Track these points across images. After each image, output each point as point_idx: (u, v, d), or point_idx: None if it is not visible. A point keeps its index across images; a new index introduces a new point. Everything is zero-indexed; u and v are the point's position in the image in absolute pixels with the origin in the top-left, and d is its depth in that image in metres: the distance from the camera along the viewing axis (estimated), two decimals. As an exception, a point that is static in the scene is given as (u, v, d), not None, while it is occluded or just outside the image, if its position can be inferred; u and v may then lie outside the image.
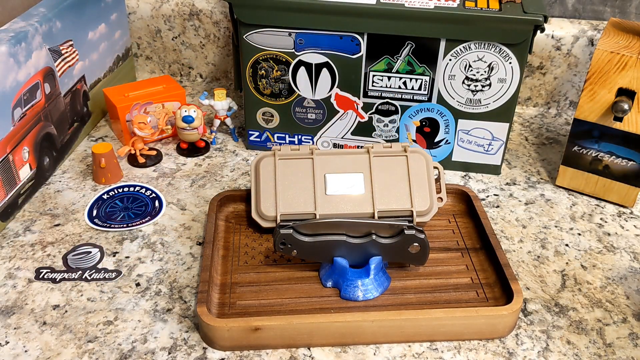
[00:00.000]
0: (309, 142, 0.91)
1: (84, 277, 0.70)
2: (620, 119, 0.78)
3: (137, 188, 0.84)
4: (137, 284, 0.69)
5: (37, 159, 0.82)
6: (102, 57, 0.98)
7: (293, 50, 0.83)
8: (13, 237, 0.75)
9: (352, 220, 0.66)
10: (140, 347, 0.62)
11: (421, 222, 0.74)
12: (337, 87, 0.85)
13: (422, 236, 0.66)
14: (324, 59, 0.83)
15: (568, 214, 0.82)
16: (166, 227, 0.78)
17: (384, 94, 0.85)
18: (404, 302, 0.66)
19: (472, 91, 0.83)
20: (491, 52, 0.79)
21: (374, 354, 0.62)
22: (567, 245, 0.77)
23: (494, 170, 0.89)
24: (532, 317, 0.67)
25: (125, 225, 0.77)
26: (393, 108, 0.86)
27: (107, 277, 0.70)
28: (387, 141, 0.89)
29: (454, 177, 0.89)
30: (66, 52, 0.88)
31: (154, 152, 0.91)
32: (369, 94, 0.85)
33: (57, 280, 0.69)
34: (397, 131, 0.88)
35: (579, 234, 0.78)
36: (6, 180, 0.76)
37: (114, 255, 0.73)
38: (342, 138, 0.90)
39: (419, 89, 0.84)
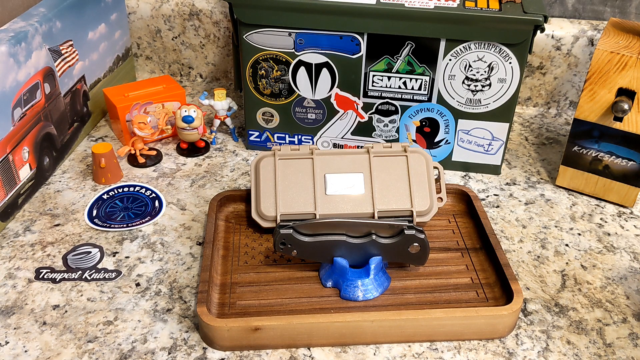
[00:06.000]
0: (309, 142, 0.91)
1: (84, 277, 0.70)
2: (620, 119, 0.78)
3: (137, 188, 0.84)
4: (137, 284, 0.69)
5: (37, 159, 0.82)
6: (102, 57, 0.98)
7: (293, 50, 0.83)
8: (13, 237, 0.75)
9: (352, 220, 0.66)
10: (140, 347, 0.62)
11: (421, 222, 0.74)
12: (337, 87, 0.85)
13: (422, 236, 0.66)
14: (324, 59, 0.83)
15: (568, 214, 0.82)
16: (166, 227, 0.78)
17: (384, 94, 0.85)
18: (404, 302, 0.66)
19: (472, 91, 0.83)
20: (491, 52, 0.79)
21: (374, 354, 0.62)
22: (567, 245, 0.77)
23: (494, 170, 0.89)
24: (532, 317, 0.67)
25: (125, 225, 0.77)
26: (393, 108, 0.86)
27: (107, 277, 0.70)
28: (387, 141, 0.89)
29: (454, 177, 0.89)
30: (66, 52, 0.88)
31: (154, 152, 0.91)
32: (369, 94, 0.85)
33: (57, 280, 0.69)
34: (397, 131, 0.88)
35: (579, 234, 0.78)
36: (6, 180, 0.76)
37: (114, 255, 0.73)
38: (342, 138, 0.90)
39: (419, 89, 0.84)
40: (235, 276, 0.69)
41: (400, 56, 0.82)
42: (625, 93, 0.77)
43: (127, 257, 0.73)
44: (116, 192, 0.84)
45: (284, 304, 0.66)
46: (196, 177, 0.87)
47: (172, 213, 0.80)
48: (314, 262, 0.71)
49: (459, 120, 0.86)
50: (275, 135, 0.91)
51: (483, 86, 0.82)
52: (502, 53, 0.79)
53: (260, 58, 0.85)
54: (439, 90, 0.83)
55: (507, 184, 0.88)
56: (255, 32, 0.83)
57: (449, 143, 0.88)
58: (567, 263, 0.74)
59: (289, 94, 0.87)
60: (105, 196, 0.83)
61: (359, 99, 0.86)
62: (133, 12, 1.07)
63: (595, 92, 0.78)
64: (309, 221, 0.66)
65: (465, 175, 0.89)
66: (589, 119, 0.80)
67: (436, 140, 0.88)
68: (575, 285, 0.71)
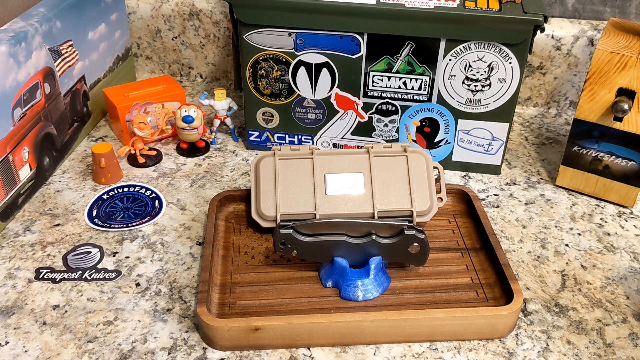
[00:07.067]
0: (309, 142, 0.91)
1: (84, 277, 0.70)
2: (620, 119, 0.78)
3: (137, 188, 0.84)
4: (137, 284, 0.69)
5: (37, 159, 0.82)
6: (102, 57, 0.98)
7: (293, 50, 0.83)
8: (13, 237, 0.75)
9: (352, 220, 0.66)
10: (140, 347, 0.62)
11: (421, 222, 0.74)
12: (337, 87, 0.85)
13: (422, 236, 0.66)
14: (324, 59, 0.83)
15: (568, 214, 0.82)
16: (166, 227, 0.78)
17: (384, 94, 0.85)
18: (404, 302, 0.66)
19: (472, 91, 0.83)
20: (491, 52, 0.79)
21: (374, 354, 0.62)
22: (567, 245, 0.77)
23: (494, 170, 0.89)
24: (532, 317, 0.67)
25: (125, 225, 0.77)
26: (393, 108, 0.86)
27: (107, 277, 0.70)
28: (387, 141, 0.89)
29: (454, 177, 0.89)
30: (66, 52, 0.88)
31: (154, 152, 0.91)
32: (369, 94, 0.85)
33: (57, 280, 0.69)
34: (397, 131, 0.88)
35: (579, 234, 0.78)
36: (6, 180, 0.76)
37: (114, 255, 0.73)
38: (342, 138, 0.90)
39: (419, 89, 0.84)
40: (235, 276, 0.69)
41: (400, 56, 0.82)
42: (625, 93, 0.77)
43: (127, 257, 0.73)
44: (116, 192, 0.84)
45: (284, 304, 0.66)
46: (196, 177, 0.87)
47: (172, 213, 0.80)
48: (314, 262, 0.71)
49: (459, 120, 0.86)
50: (275, 135, 0.91)
51: (483, 86, 0.82)
52: (502, 53, 0.79)
53: (260, 58, 0.85)
54: (439, 90, 0.83)
55: (507, 184, 0.88)
56: (255, 32, 0.83)
57: (449, 143, 0.88)
58: (567, 263, 0.74)
59: (289, 94, 0.87)
60: (105, 196, 0.83)
61: (359, 99, 0.86)
62: (133, 12, 1.07)
63: (595, 92, 0.78)
64: (309, 221, 0.66)
65: (465, 175, 0.89)
66: (589, 119, 0.80)
67: (436, 140, 0.88)
68: (575, 285, 0.71)
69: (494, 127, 0.85)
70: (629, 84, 0.76)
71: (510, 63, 0.80)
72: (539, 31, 0.77)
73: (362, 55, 0.82)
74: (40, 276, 0.70)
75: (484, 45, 0.79)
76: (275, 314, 0.64)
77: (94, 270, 0.71)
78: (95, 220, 0.78)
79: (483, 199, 0.84)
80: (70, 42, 0.89)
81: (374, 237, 0.67)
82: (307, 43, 0.82)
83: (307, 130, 0.90)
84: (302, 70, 0.85)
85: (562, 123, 1.03)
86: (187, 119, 0.88)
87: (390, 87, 0.84)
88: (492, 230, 0.73)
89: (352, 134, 0.89)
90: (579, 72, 1.02)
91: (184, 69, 1.13)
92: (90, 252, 0.73)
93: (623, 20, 0.85)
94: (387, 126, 0.88)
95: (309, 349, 0.63)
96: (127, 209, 0.81)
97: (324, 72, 0.84)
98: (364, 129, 0.88)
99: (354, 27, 0.80)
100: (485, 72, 0.81)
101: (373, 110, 0.87)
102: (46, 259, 0.72)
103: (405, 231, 0.66)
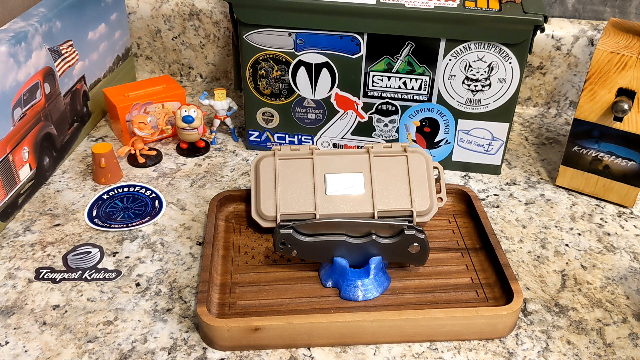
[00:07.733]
0: (309, 142, 0.91)
1: (84, 277, 0.70)
2: (620, 119, 0.78)
3: (137, 188, 0.84)
4: (137, 284, 0.69)
5: (37, 159, 0.82)
6: (102, 57, 0.98)
7: (293, 50, 0.83)
8: (13, 237, 0.75)
9: (352, 220, 0.66)
10: (140, 347, 0.62)
11: (421, 222, 0.74)
12: (337, 87, 0.85)
13: (422, 236, 0.66)
14: (324, 59, 0.83)
15: (568, 214, 0.82)
16: (166, 227, 0.78)
17: (384, 94, 0.85)
18: (404, 302, 0.66)
19: (472, 91, 0.83)
20: (491, 52, 0.79)
21: (374, 354, 0.62)
22: (567, 245, 0.77)
23: (494, 170, 0.89)
24: (532, 317, 0.67)
25: (125, 225, 0.77)
26: (393, 108, 0.86)
27: (107, 277, 0.70)
28: (387, 141, 0.89)
29: (454, 177, 0.89)
30: (66, 52, 0.88)
31: (154, 152, 0.91)
32: (369, 94, 0.85)
33: (57, 280, 0.69)
34: (397, 131, 0.88)
35: (579, 234, 0.78)
36: (6, 180, 0.76)
37: (114, 255, 0.73)
38: (342, 138, 0.90)
39: (419, 89, 0.84)
40: (235, 276, 0.69)
41: (400, 56, 0.82)
42: (625, 93, 0.77)
43: (127, 257, 0.73)
44: (116, 192, 0.84)
45: (284, 304, 0.66)
46: (196, 177, 0.87)
47: (172, 213, 0.80)
48: (314, 262, 0.71)
49: (459, 120, 0.86)
50: (275, 135, 0.91)
51: (483, 86, 0.82)
52: (502, 53, 0.79)
53: (260, 58, 0.85)
54: (439, 90, 0.83)
55: (507, 184, 0.88)
56: (255, 32, 0.83)
57: (449, 143, 0.88)
58: (567, 263, 0.74)
59: (289, 94, 0.87)
60: (105, 196, 0.83)
61: (359, 99, 0.86)
62: (133, 12, 1.07)
63: (595, 92, 0.78)
64: (309, 221, 0.66)
65: (465, 175, 0.89)
66: (589, 119, 0.80)
67: (436, 140, 0.88)
68: (575, 285, 0.71)
69: (494, 127, 0.85)
70: (629, 84, 0.76)
71: (510, 63, 0.80)
72: (539, 31, 0.77)
73: (362, 55, 0.82)
74: (40, 276, 0.70)
75: (484, 45, 0.79)
76: (275, 314, 0.64)
77: (94, 270, 0.71)
78: (95, 220, 0.78)
79: (483, 199, 0.84)
80: (70, 42, 0.89)
81: (374, 237, 0.67)
82: (307, 43, 0.82)
83: (307, 130, 0.90)
84: (302, 70, 0.85)
85: (562, 123, 1.03)
86: (187, 119, 0.88)
87: (390, 87, 0.84)
88: (492, 230, 0.73)
89: (352, 134, 0.89)
90: (579, 72, 1.02)
91: (184, 69, 1.13)
92: (90, 252, 0.73)
93: (623, 20, 0.85)
94: (387, 126, 0.88)
95: (309, 349, 0.63)
96: (127, 209, 0.81)
97: (324, 72, 0.84)
98: (364, 129, 0.88)
99: (354, 27, 0.80)
100: (485, 72, 0.81)
101: (373, 110, 0.87)
102: (46, 259, 0.72)
103: (405, 231, 0.66)
